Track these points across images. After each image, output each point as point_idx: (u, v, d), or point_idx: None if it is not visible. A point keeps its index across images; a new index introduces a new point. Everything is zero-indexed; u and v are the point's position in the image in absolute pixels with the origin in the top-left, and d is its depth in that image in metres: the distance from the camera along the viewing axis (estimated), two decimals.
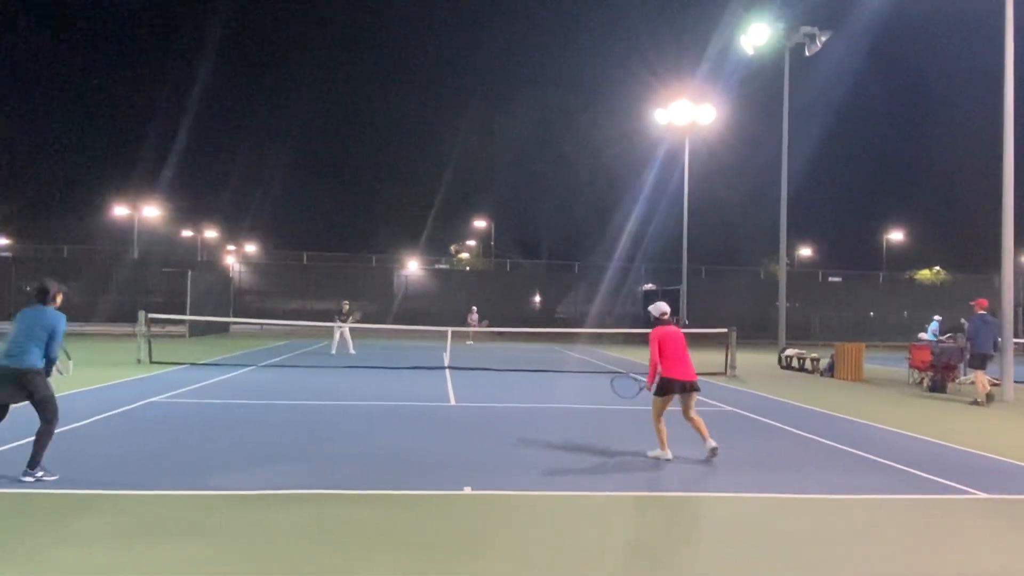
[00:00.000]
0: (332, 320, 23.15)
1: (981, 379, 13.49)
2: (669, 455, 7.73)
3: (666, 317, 7.96)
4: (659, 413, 7.76)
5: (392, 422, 10.07)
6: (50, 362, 6.45)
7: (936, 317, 21.21)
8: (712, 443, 7.71)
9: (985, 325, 13.70)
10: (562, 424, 10.27)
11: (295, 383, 14.56)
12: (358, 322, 23.36)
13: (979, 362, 13.65)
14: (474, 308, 34.02)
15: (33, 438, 6.40)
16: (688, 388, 7.77)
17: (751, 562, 4.85)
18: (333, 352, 22.38)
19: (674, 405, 7.90)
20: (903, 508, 6.30)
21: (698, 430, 7.82)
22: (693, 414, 7.87)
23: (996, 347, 13.91)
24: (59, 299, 6.64)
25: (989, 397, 13.41)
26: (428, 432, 9.29)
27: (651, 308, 8.07)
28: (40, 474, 6.33)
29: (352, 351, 22.38)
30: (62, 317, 6.51)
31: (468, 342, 31.58)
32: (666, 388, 7.70)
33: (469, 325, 31.88)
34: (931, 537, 5.51)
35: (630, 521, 5.69)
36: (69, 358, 6.95)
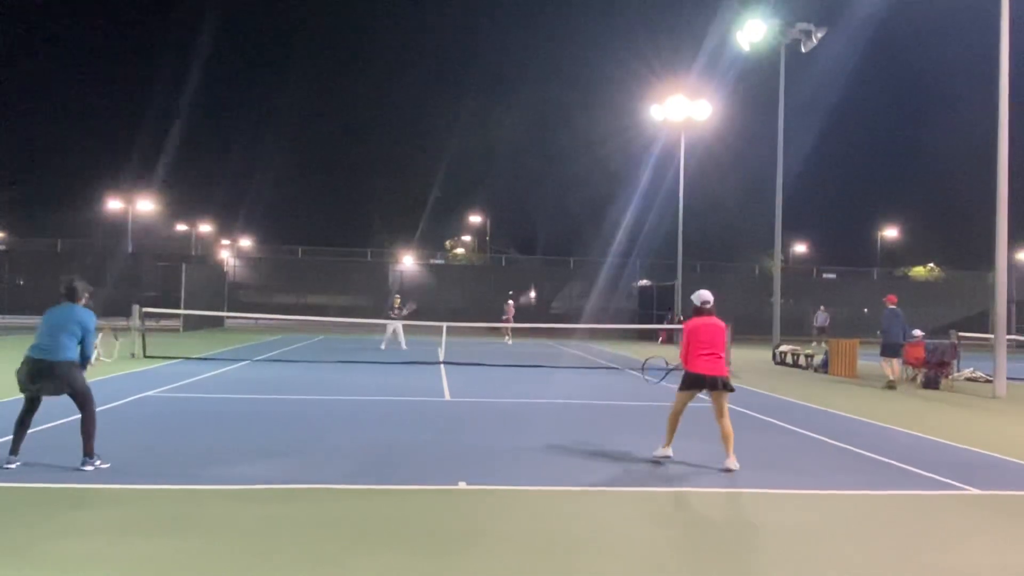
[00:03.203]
0: (386, 316, 23.18)
1: (895, 366, 15.41)
2: (670, 452, 7.64)
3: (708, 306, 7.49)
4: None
5: (386, 417, 10.07)
6: (85, 359, 6.58)
7: None
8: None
9: (896, 318, 15.55)
10: (557, 419, 10.29)
11: (289, 378, 14.55)
12: (413, 313, 22.85)
13: (892, 351, 15.46)
14: (510, 303, 29.93)
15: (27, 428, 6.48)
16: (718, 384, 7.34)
17: (745, 558, 4.86)
18: (382, 347, 22.21)
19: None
20: (896, 504, 6.32)
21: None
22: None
23: (905, 336, 15.78)
24: (86, 299, 6.75)
25: (891, 385, 15.10)
26: (422, 427, 9.29)
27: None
28: (98, 463, 6.51)
29: (404, 347, 22.11)
30: (92, 314, 6.62)
31: (507, 340, 28.63)
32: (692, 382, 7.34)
33: (507, 321, 28.19)
34: (924, 533, 5.53)
35: (624, 516, 5.69)
36: (116, 339, 7.11)
